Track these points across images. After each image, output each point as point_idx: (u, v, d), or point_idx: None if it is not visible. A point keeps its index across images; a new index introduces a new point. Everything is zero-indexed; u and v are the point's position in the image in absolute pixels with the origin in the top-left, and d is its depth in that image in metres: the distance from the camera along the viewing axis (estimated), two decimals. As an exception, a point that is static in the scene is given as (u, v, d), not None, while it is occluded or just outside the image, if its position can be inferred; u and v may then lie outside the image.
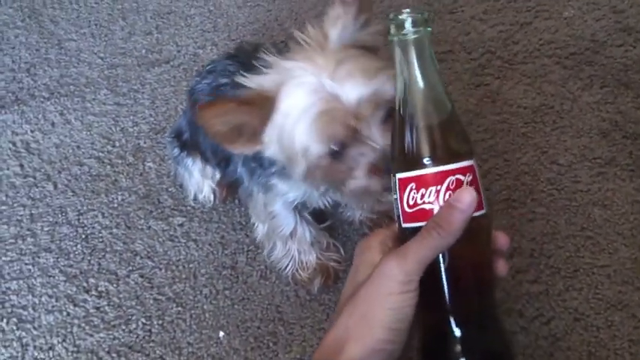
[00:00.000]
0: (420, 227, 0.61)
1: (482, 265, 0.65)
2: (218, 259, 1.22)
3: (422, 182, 0.62)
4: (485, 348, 0.64)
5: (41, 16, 1.85)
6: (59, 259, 1.27)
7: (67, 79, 1.64)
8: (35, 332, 1.18)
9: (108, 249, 1.27)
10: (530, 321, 1.07)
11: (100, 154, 1.45)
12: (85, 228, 1.31)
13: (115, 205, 1.34)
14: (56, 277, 1.25)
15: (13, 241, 1.32)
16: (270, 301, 1.15)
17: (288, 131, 0.80)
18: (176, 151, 1.24)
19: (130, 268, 1.24)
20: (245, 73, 0.83)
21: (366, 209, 1.20)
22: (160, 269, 1.23)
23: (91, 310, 1.19)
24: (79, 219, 1.33)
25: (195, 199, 1.30)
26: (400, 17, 0.62)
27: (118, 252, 1.26)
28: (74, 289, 1.23)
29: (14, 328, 1.19)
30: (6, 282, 1.25)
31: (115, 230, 1.30)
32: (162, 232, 1.28)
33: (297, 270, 1.15)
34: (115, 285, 1.22)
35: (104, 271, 1.24)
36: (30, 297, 1.23)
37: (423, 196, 0.62)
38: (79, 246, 1.29)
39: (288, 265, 1.15)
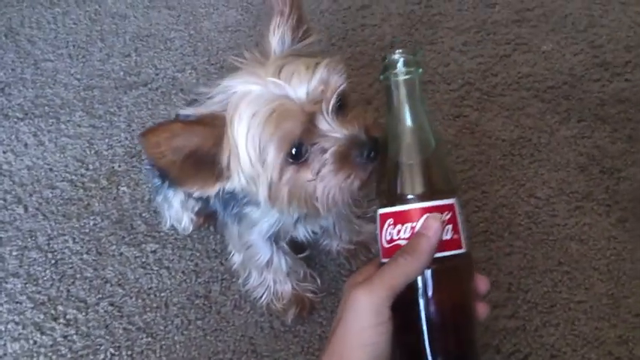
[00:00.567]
0: None
1: (462, 304, 0.64)
2: (191, 287, 1.20)
3: (399, 218, 0.63)
4: None
5: (18, 35, 1.83)
6: (27, 285, 1.24)
7: (42, 99, 1.62)
8: (-1, 361, 1.14)
9: (78, 275, 1.24)
10: (507, 357, 1.05)
11: (73, 177, 1.42)
12: (55, 253, 1.28)
13: (87, 230, 1.31)
14: (23, 304, 1.21)
15: (-21, 265, 1.28)
16: (243, 333, 1.12)
17: (242, 145, 0.75)
18: (157, 181, 1.21)
19: (100, 295, 1.20)
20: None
21: (344, 240, 1.18)
22: (131, 297, 1.19)
23: (59, 339, 1.15)
24: (49, 244, 1.30)
25: (171, 228, 1.27)
26: (393, 57, 0.64)
27: (88, 279, 1.23)
28: (42, 316, 1.19)
29: (-23, 356, 1.15)
30: (-30, 308, 1.22)
31: (85, 256, 1.27)
32: (134, 258, 1.25)
33: (272, 300, 1.13)
34: (83, 313, 1.18)
35: (73, 299, 1.21)
36: (-5, 324, 1.19)
37: (399, 232, 0.63)
38: (48, 272, 1.25)
39: (263, 294, 1.13)
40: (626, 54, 1.55)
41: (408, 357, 0.64)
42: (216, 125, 0.76)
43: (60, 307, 1.20)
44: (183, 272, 1.22)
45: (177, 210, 1.23)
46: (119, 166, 1.43)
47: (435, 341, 0.62)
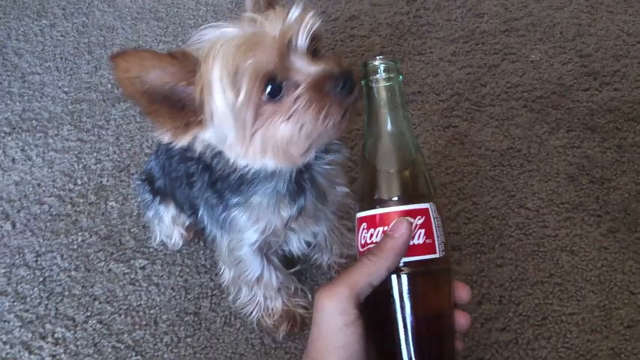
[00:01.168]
0: None
1: (436, 310, 0.64)
2: (180, 304, 1.19)
3: (372, 222, 0.63)
4: None
5: (5, 48, 1.82)
6: (15, 303, 1.22)
7: (30, 113, 1.61)
8: (-14, 381, 1.13)
9: (66, 293, 1.23)
10: (499, 371, 1.05)
11: (61, 192, 1.41)
12: (43, 270, 1.27)
13: (75, 247, 1.30)
14: (11, 323, 1.20)
15: (-34, 283, 1.27)
16: (234, 350, 1.11)
17: (216, 78, 0.73)
18: (147, 196, 1.20)
19: (89, 313, 1.19)
20: None
21: (335, 253, 1.18)
22: (120, 315, 1.18)
23: (47, 358, 1.14)
24: (37, 260, 1.29)
25: (161, 243, 1.26)
26: (373, 63, 0.65)
27: (77, 296, 1.22)
28: (30, 335, 1.18)
29: (-36, 376, 1.14)
30: (-43, 327, 1.20)
31: (74, 273, 1.25)
32: (122, 275, 1.24)
33: (262, 316, 1.12)
34: (72, 331, 1.17)
35: (62, 317, 1.19)
36: (-18, 343, 1.18)
37: (371, 235, 0.63)
38: (36, 289, 1.24)
39: (253, 311, 1.12)
40: (615, 63, 1.55)
41: (382, 357, 0.64)
42: (187, 61, 0.74)
43: (48, 326, 1.18)
44: (172, 288, 1.21)
45: (168, 225, 1.22)
46: (107, 181, 1.42)
47: (408, 345, 0.62)
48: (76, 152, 1.49)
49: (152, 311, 1.18)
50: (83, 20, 1.89)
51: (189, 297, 1.19)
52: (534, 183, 1.31)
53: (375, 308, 0.63)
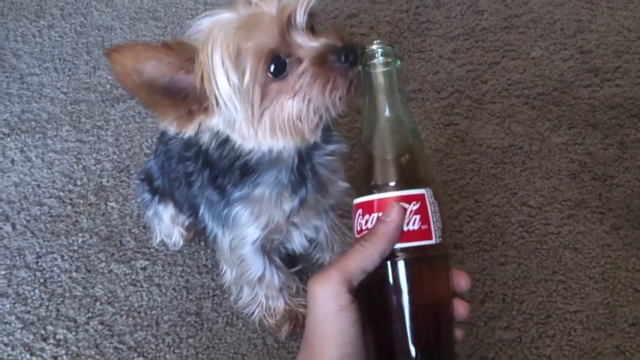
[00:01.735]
0: None
1: (433, 296, 0.64)
2: (182, 304, 1.18)
3: (367, 208, 0.63)
4: None
5: (3, 49, 1.81)
6: (16, 305, 1.22)
7: (29, 114, 1.60)
8: (-12, 384, 1.12)
9: (67, 294, 1.22)
10: (503, 369, 1.05)
11: (61, 193, 1.40)
12: (44, 272, 1.26)
13: (75, 248, 1.29)
14: (12, 324, 1.19)
15: (-34, 285, 1.26)
16: (236, 350, 1.11)
17: (218, 62, 0.72)
18: (146, 195, 1.20)
19: (90, 314, 1.18)
20: None
21: (336, 252, 1.17)
22: (121, 316, 1.18)
23: (48, 360, 1.14)
24: (37, 262, 1.28)
25: (161, 243, 1.26)
26: (371, 48, 0.65)
27: (78, 297, 1.21)
28: (31, 336, 1.17)
29: (-35, 379, 1.13)
30: (-42, 329, 1.19)
31: (74, 274, 1.25)
32: (123, 276, 1.23)
33: (264, 316, 1.12)
34: (73, 333, 1.16)
35: (63, 318, 1.19)
36: (-17, 346, 1.17)
37: (367, 222, 0.63)
38: (36, 291, 1.23)
39: (255, 311, 1.11)
40: (616, 59, 1.55)
41: (380, 345, 0.63)
42: (184, 50, 0.74)
43: (49, 327, 1.18)
44: (174, 289, 1.20)
45: (167, 224, 1.22)
46: (107, 182, 1.41)
47: (405, 333, 0.61)
48: (76, 153, 1.48)
49: (154, 312, 1.17)
50: (81, 21, 1.89)
51: (191, 297, 1.19)
52: (536, 180, 1.31)
53: (371, 295, 0.62)
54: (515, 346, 1.06)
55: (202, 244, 1.27)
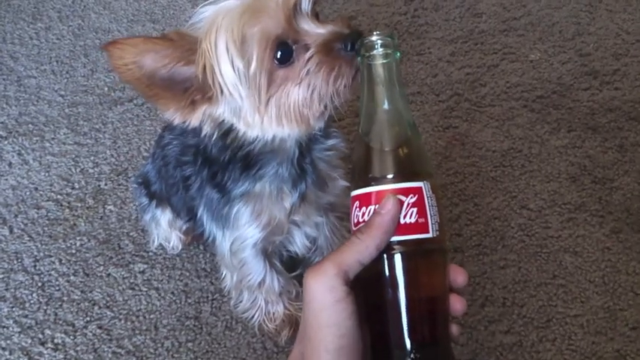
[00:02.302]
0: None
1: (429, 290, 0.63)
2: (181, 308, 1.17)
3: (364, 200, 0.62)
4: None
5: (0, 51, 1.80)
6: (14, 309, 1.21)
7: (26, 117, 1.59)
8: (-15, 389, 1.11)
9: (65, 298, 1.21)
10: (503, 374, 1.04)
11: (59, 196, 1.39)
12: (42, 275, 1.25)
13: (73, 251, 1.28)
14: (10, 328, 1.18)
15: (-37, 289, 1.25)
16: (235, 354, 1.10)
17: (222, 49, 0.72)
18: (144, 200, 1.19)
19: (88, 318, 1.18)
20: None
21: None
22: (120, 320, 1.17)
23: (46, 365, 1.13)
24: (35, 266, 1.27)
25: (160, 246, 1.25)
26: (370, 39, 0.64)
27: (76, 301, 1.21)
28: (29, 340, 1.16)
29: (-38, 384, 1.12)
30: (-45, 334, 1.19)
31: (72, 278, 1.24)
32: (122, 279, 1.23)
33: (264, 321, 1.11)
34: (72, 337, 1.16)
35: (61, 322, 1.18)
36: (-20, 350, 1.16)
37: (363, 214, 0.62)
38: (34, 295, 1.22)
39: (254, 315, 1.11)
40: (615, 62, 1.55)
41: (376, 338, 0.63)
42: (184, 41, 0.73)
43: (47, 331, 1.17)
44: (172, 293, 1.20)
45: (165, 229, 1.21)
46: (105, 185, 1.40)
47: (401, 327, 0.61)
48: (73, 156, 1.48)
49: (152, 316, 1.17)
50: (79, 23, 1.88)
51: (190, 301, 1.18)
52: (536, 184, 1.30)
53: (368, 289, 0.62)
54: (516, 350, 1.06)
55: (201, 247, 1.26)
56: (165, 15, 1.87)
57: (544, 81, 1.52)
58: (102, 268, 1.25)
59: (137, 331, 1.15)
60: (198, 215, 1.02)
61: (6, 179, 1.44)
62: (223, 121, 0.80)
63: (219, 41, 0.72)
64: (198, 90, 0.75)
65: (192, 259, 1.25)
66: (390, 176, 0.62)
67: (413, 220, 0.61)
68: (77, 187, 1.41)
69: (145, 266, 1.24)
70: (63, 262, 1.27)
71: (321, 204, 1.00)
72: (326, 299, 0.57)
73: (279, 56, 0.73)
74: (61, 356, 1.13)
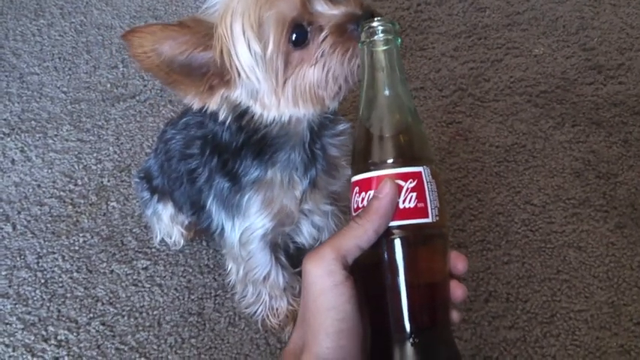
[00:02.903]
0: None
1: (428, 275, 0.63)
2: (184, 304, 1.17)
3: (364, 186, 0.62)
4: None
5: (2, 48, 1.80)
6: (17, 306, 1.21)
7: (29, 114, 1.59)
8: (-11, 385, 1.11)
9: (68, 294, 1.21)
10: (507, 369, 1.04)
11: (62, 193, 1.39)
12: (45, 272, 1.25)
13: (77, 248, 1.28)
14: (13, 325, 1.18)
15: (-33, 286, 1.25)
16: (238, 350, 1.10)
17: (239, 33, 0.73)
18: (145, 194, 1.19)
19: (91, 315, 1.18)
20: None
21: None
22: (123, 316, 1.17)
23: (50, 361, 1.13)
24: (38, 262, 1.27)
25: (162, 242, 1.25)
26: (371, 25, 0.64)
27: (79, 298, 1.21)
28: (32, 337, 1.16)
29: (-34, 380, 1.12)
30: (-42, 330, 1.19)
31: (75, 274, 1.24)
32: (125, 276, 1.23)
33: (267, 316, 1.11)
34: (75, 333, 1.16)
35: (64, 319, 1.18)
36: (-16, 347, 1.16)
37: (363, 199, 0.62)
38: (37, 291, 1.22)
39: (258, 310, 1.11)
40: (619, 56, 1.54)
41: (375, 323, 0.63)
42: (201, 27, 0.74)
43: (51, 328, 1.17)
44: (175, 289, 1.20)
45: (166, 224, 1.21)
46: (108, 181, 1.40)
47: (401, 312, 0.60)
48: (76, 152, 1.48)
49: (155, 312, 1.17)
50: (81, 19, 1.88)
51: (193, 297, 1.18)
52: (540, 179, 1.30)
53: (368, 274, 0.61)
54: (520, 345, 1.06)
55: (204, 243, 1.26)
56: (167, 11, 1.87)
57: (548, 76, 1.52)
58: (105, 264, 1.25)
59: (140, 328, 1.15)
60: (207, 207, 1.02)
61: (9, 176, 1.44)
62: (239, 104, 0.81)
63: (236, 25, 0.72)
64: (216, 74, 0.76)
65: (195, 256, 1.25)
66: (389, 161, 0.62)
67: (412, 204, 0.61)
68: (80, 183, 1.41)
69: (148, 263, 1.24)
70: (66, 258, 1.27)
71: (329, 191, 1.00)
72: (325, 283, 0.57)
73: (294, 38, 0.73)
74: (64, 353, 1.13)
